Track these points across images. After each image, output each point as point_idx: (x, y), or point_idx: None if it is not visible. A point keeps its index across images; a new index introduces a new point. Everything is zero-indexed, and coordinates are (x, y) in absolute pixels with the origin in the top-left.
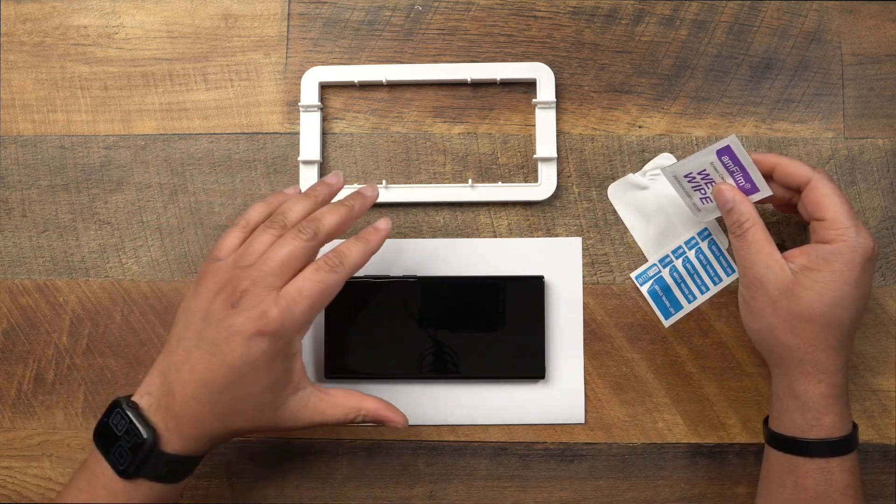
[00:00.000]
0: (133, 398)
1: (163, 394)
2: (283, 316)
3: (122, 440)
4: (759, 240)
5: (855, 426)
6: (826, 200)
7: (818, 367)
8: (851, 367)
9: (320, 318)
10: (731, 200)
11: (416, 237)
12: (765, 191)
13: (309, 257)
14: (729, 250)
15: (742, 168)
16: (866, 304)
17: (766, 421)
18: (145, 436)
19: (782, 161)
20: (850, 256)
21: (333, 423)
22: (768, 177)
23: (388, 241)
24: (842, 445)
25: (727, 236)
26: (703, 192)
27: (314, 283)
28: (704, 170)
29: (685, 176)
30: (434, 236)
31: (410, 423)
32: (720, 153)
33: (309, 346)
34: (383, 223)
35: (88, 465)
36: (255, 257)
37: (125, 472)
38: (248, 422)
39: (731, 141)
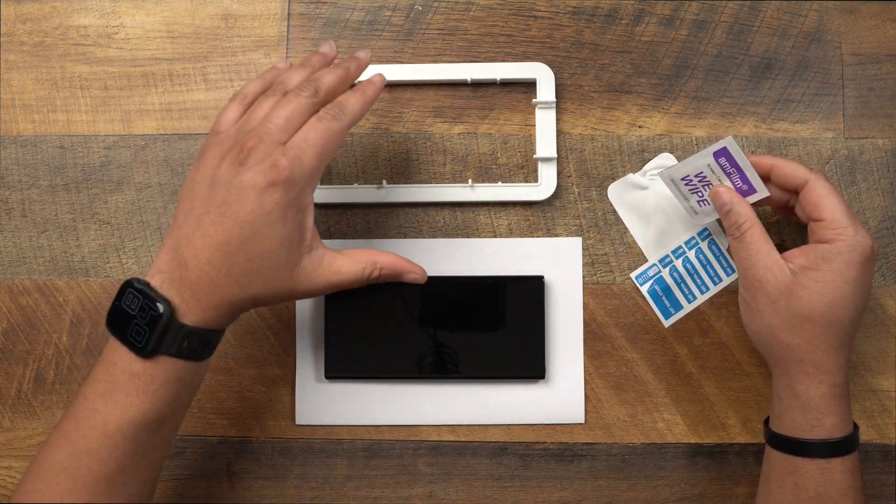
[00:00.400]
0: (144, 279)
1: (174, 268)
2: (292, 164)
3: (137, 318)
4: (758, 241)
5: (856, 427)
6: (824, 200)
7: (819, 367)
8: (851, 367)
9: (320, 318)
10: (729, 202)
11: (416, 237)
12: (762, 192)
13: (312, 115)
14: (729, 250)
15: (739, 170)
16: (866, 304)
17: (766, 421)
18: (161, 308)
19: (779, 162)
20: (850, 255)
21: (350, 282)
22: (766, 178)
23: (388, 241)
24: (843, 446)
25: (727, 237)
26: (700, 194)
27: (319, 131)
28: (701, 172)
29: (682, 179)
30: (434, 236)
31: (410, 423)
32: (717, 155)
33: (309, 346)
34: (376, 77)
35: (104, 356)
36: (258, 122)
37: (143, 350)
38: (266, 285)
39: (728, 142)
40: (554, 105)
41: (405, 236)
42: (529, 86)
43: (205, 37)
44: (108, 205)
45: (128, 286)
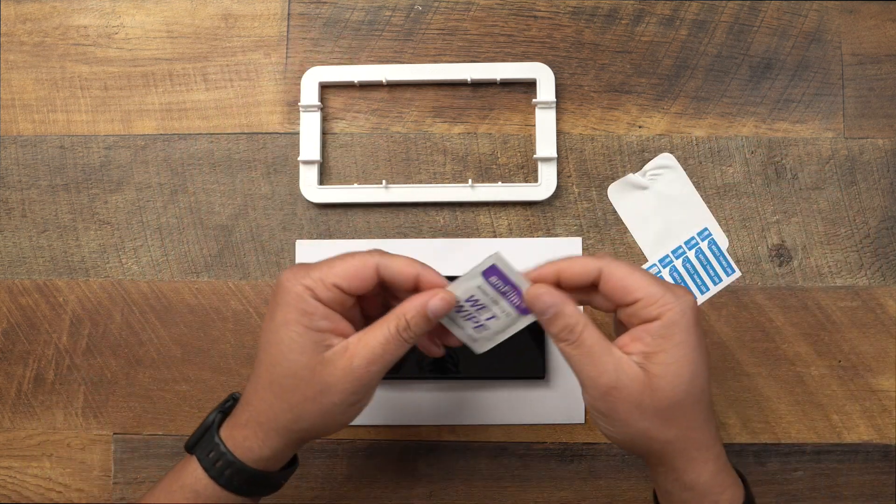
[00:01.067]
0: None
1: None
2: (297, 272)
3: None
4: (598, 341)
5: (746, 485)
6: (628, 281)
7: (701, 447)
8: (851, 368)
9: None
10: (553, 304)
11: (416, 237)
12: None
13: None
14: (729, 250)
15: (513, 286)
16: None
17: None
18: (211, 417)
19: (562, 265)
20: (684, 322)
21: (382, 352)
22: (557, 286)
23: (388, 241)
24: None
25: (555, 344)
26: (475, 319)
27: (341, 255)
28: (473, 296)
29: (455, 310)
30: (434, 236)
31: (410, 423)
32: (486, 274)
33: None
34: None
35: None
36: None
37: (187, 444)
38: (294, 409)
39: (496, 259)
40: (554, 105)
41: (405, 236)
42: (529, 86)
43: (205, 37)
44: (108, 205)
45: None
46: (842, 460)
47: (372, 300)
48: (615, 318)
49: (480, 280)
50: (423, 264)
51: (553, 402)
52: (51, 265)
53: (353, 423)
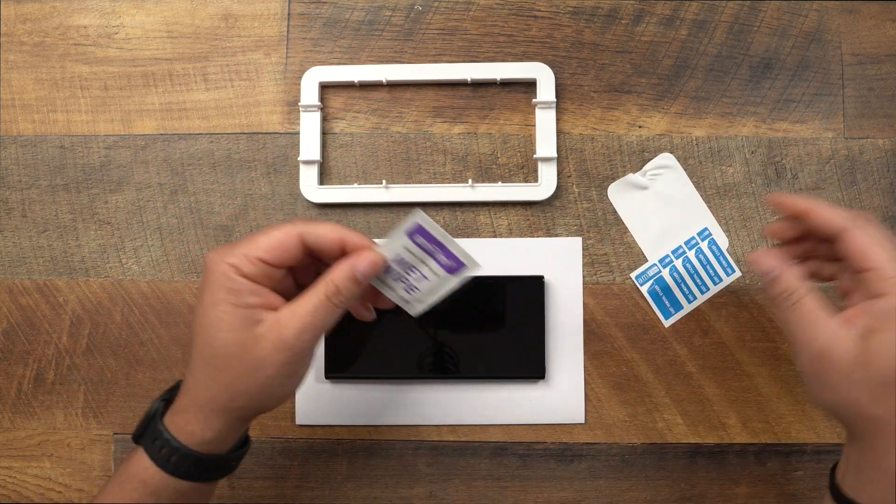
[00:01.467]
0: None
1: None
2: (222, 250)
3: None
4: (815, 309)
5: None
6: (871, 248)
7: None
8: None
9: None
10: (772, 269)
11: None
12: (472, 265)
13: None
14: (729, 250)
15: (440, 245)
16: None
17: (833, 470)
18: (154, 406)
19: (814, 206)
20: None
21: (311, 320)
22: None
23: None
24: None
25: (774, 307)
26: (405, 281)
27: (267, 227)
28: (400, 256)
29: (384, 271)
30: None
31: (410, 423)
32: (411, 234)
33: None
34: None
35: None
36: None
37: (134, 434)
38: (230, 387)
39: (420, 218)
40: (554, 105)
41: None
42: (529, 86)
43: (205, 37)
44: (108, 205)
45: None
46: None
47: (304, 271)
48: (839, 281)
49: (405, 240)
50: (347, 228)
51: (553, 402)
52: (51, 265)
53: (352, 424)
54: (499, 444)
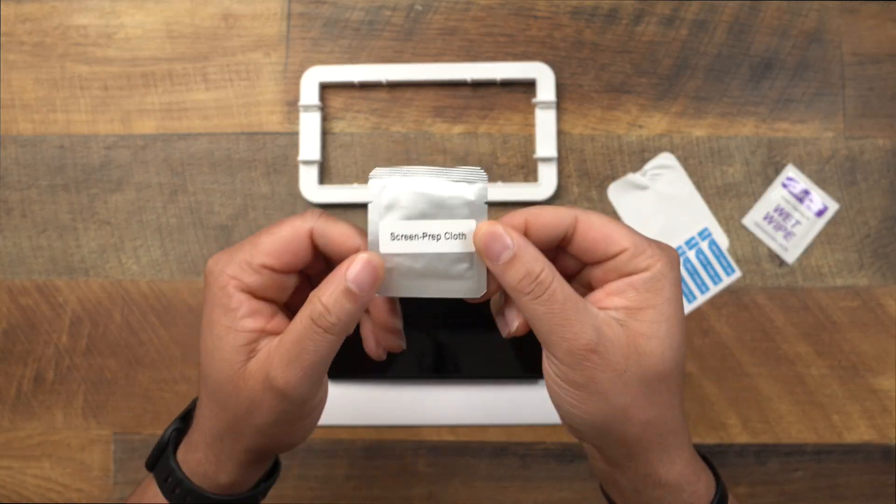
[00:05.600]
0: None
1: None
2: (220, 257)
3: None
4: (571, 295)
5: (717, 476)
6: (611, 230)
7: (676, 432)
8: (851, 368)
9: None
10: (509, 245)
11: None
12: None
13: None
14: (729, 250)
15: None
16: None
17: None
18: (167, 433)
19: (530, 213)
20: (673, 276)
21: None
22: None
23: None
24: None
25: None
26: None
27: (269, 228)
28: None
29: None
30: None
31: (410, 423)
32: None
33: None
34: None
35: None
36: None
37: (147, 461)
38: (231, 427)
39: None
40: (554, 105)
41: None
42: (529, 86)
43: (205, 37)
44: (107, 205)
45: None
46: (842, 460)
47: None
48: (581, 280)
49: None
50: (366, 234)
51: None
52: (51, 265)
53: (352, 424)
54: (499, 444)
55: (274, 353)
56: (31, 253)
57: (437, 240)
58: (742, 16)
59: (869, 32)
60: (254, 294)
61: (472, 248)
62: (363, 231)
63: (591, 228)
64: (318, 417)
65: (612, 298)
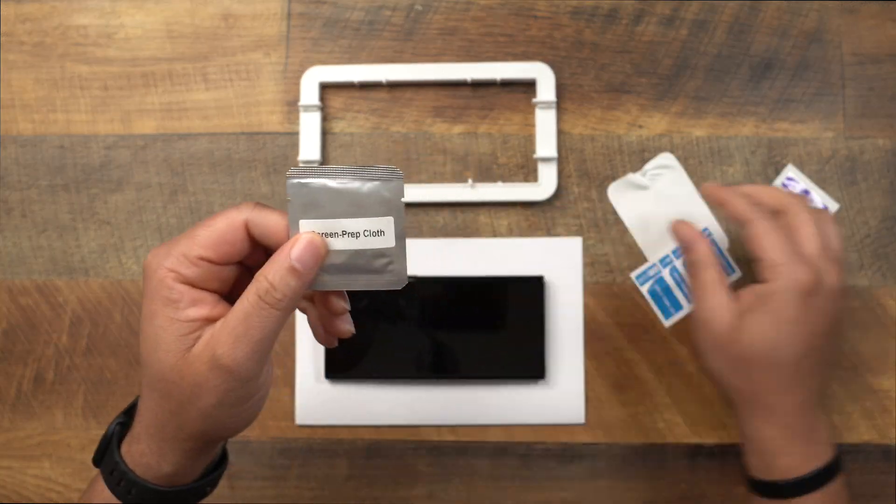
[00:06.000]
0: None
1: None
2: (159, 250)
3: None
4: (710, 281)
5: (832, 462)
6: (764, 240)
7: (767, 409)
8: (851, 368)
9: None
10: (689, 240)
11: (416, 237)
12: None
13: None
14: (730, 249)
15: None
16: (819, 342)
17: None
18: (111, 427)
19: (729, 200)
20: (786, 295)
21: (239, 335)
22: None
23: None
24: (801, 485)
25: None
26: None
27: (205, 219)
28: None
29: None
30: (434, 236)
31: (410, 423)
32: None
33: (309, 346)
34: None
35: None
36: None
37: (94, 457)
38: (175, 415)
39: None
40: (554, 105)
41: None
42: (529, 86)
43: (205, 37)
44: (107, 205)
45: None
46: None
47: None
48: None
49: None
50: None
51: (553, 402)
52: (51, 265)
53: (353, 424)
54: (499, 444)
55: (219, 332)
56: (31, 253)
57: (357, 237)
58: (742, 16)
59: (869, 32)
60: (194, 285)
61: (391, 244)
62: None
63: (751, 231)
64: (262, 400)
65: (745, 295)
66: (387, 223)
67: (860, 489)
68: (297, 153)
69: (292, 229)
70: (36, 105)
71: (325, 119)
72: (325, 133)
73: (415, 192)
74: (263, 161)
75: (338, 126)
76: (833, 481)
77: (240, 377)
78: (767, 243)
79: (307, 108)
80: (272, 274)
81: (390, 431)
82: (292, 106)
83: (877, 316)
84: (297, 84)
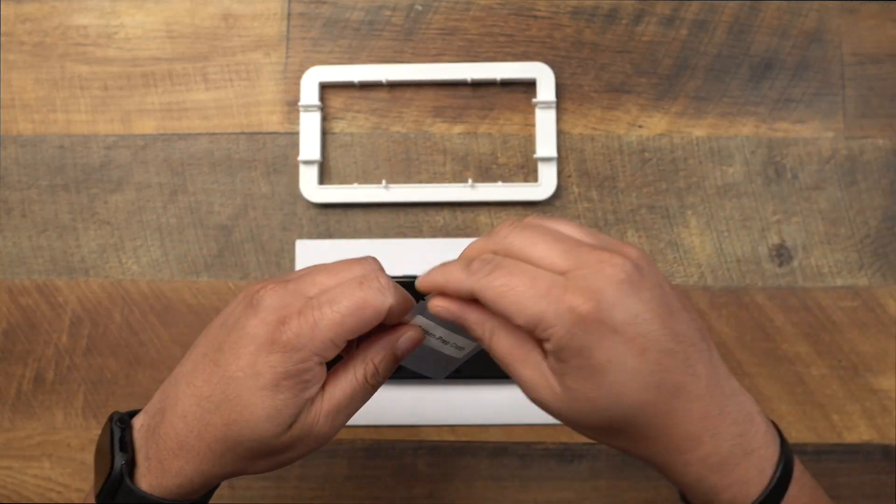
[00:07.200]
0: (134, 416)
1: (155, 412)
2: (303, 325)
3: (106, 462)
4: (509, 352)
5: (779, 466)
6: (504, 303)
7: (676, 451)
8: (851, 368)
9: None
10: (452, 314)
11: (416, 237)
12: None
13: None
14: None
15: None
16: (666, 344)
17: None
18: (116, 463)
19: (439, 282)
20: (576, 345)
21: (347, 401)
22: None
23: (388, 241)
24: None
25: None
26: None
27: (354, 298)
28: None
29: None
30: (434, 236)
31: (410, 423)
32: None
33: None
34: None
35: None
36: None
37: (97, 500)
38: (241, 460)
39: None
40: (554, 105)
41: (405, 236)
42: (529, 86)
43: (205, 37)
44: (107, 205)
45: (110, 420)
46: (842, 460)
47: None
48: None
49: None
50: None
51: None
52: (51, 265)
53: (352, 424)
54: (499, 444)
55: (325, 407)
56: (31, 253)
57: (445, 344)
58: (742, 16)
59: (869, 32)
60: (322, 365)
61: (459, 357)
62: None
63: (490, 304)
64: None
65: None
66: (467, 344)
67: (860, 489)
68: (297, 153)
69: (410, 316)
70: (36, 105)
71: (325, 119)
72: (325, 133)
73: (415, 192)
74: (263, 161)
75: (338, 126)
76: (792, 480)
77: (328, 440)
78: (511, 302)
79: (307, 108)
80: (379, 359)
81: (390, 431)
82: (292, 106)
83: (877, 316)
84: (297, 84)
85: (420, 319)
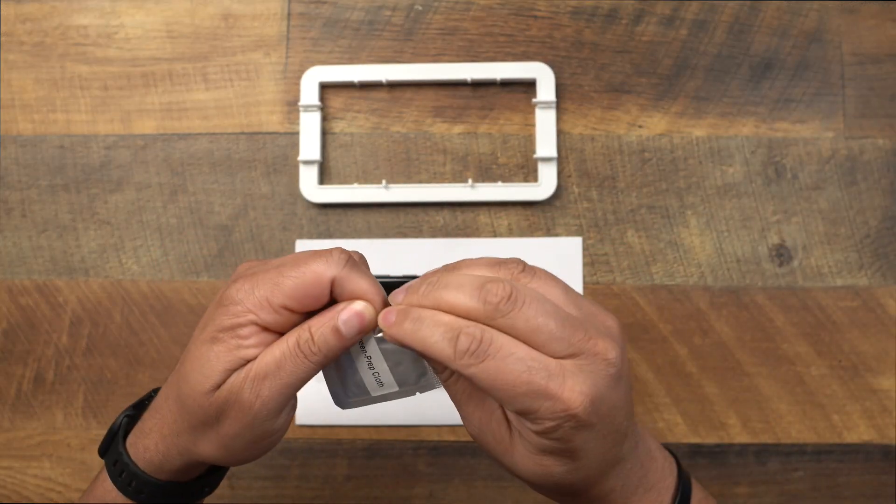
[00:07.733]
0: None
1: (171, 383)
2: (244, 283)
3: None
4: (459, 392)
5: (678, 488)
6: (495, 379)
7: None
8: (851, 368)
9: None
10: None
11: (416, 237)
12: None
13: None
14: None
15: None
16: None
17: None
18: (119, 419)
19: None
20: (572, 432)
21: (286, 378)
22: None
23: (388, 241)
24: None
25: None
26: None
27: (296, 263)
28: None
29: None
30: (434, 236)
31: (410, 423)
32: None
33: None
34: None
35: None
36: None
37: (99, 447)
38: (185, 433)
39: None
40: (554, 105)
41: (405, 236)
42: (529, 86)
43: (205, 37)
44: (107, 205)
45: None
46: (842, 460)
47: None
48: None
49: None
50: (384, 293)
51: None
52: (51, 265)
53: (353, 424)
54: None
55: (251, 370)
56: (31, 253)
57: (371, 369)
58: (742, 16)
59: (869, 32)
60: (266, 328)
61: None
62: (382, 292)
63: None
64: (276, 441)
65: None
66: (391, 385)
67: (860, 489)
68: (297, 153)
69: (367, 337)
70: (36, 105)
71: (325, 119)
72: (325, 133)
73: (415, 192)
74: (263, 161)
75: (338, 126)
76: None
77: (257, 415)
78: (501, 391)
79: (307, 108)
80: (315, 327)
81: (390, 431)
82: (292, 106)
83: (877, 316)
84: (297, 84)
85: (372, 342)
